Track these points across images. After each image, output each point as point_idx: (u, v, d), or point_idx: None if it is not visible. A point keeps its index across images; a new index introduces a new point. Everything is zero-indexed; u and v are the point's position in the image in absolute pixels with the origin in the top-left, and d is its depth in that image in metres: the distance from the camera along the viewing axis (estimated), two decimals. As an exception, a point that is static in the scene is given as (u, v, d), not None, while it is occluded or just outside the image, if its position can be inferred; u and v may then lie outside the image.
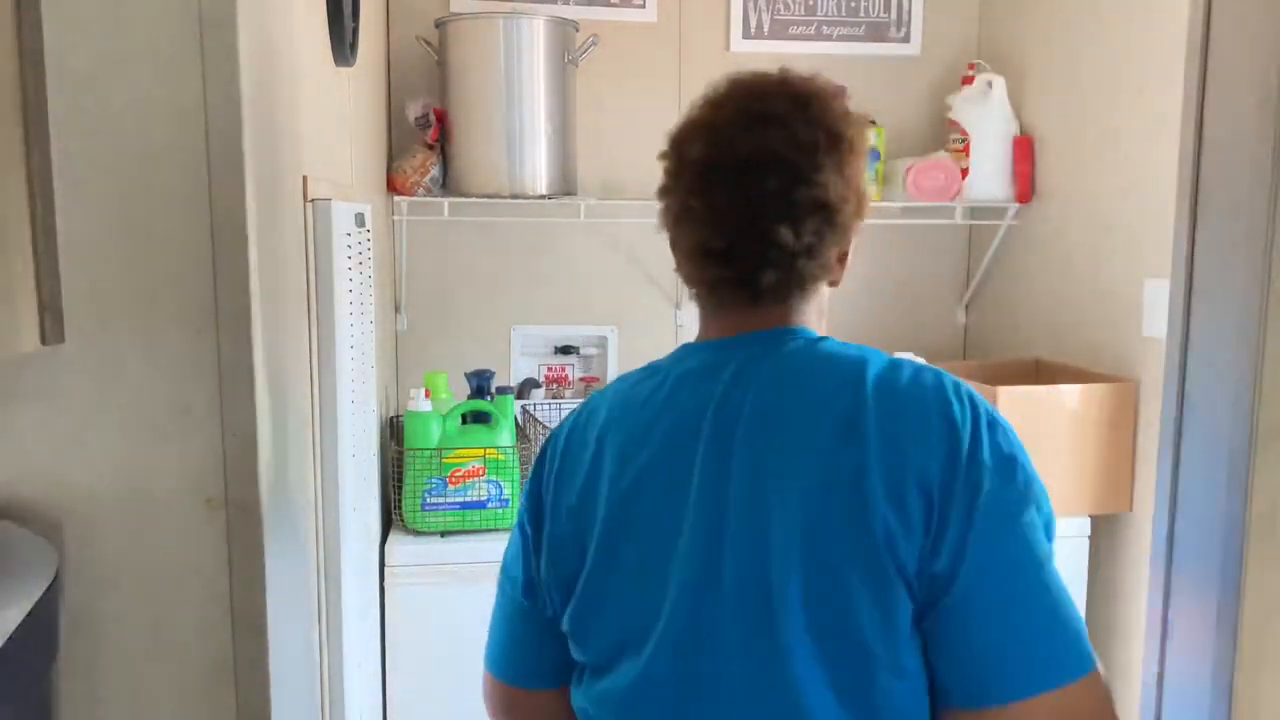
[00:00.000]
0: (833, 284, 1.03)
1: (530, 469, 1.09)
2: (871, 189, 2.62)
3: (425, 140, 2.50)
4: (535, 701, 1.08)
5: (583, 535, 0.97)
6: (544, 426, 2.32)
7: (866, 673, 0.85)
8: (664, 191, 1.02)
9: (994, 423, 0.90)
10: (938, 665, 0.86)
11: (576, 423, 1.04)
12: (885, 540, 0.84)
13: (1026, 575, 0.93)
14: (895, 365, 0.93)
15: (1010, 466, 0.90)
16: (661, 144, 1.05)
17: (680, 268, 1.05)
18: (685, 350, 1.04)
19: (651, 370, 1.04)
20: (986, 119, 2.62)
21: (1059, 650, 0.89)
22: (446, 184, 2.51)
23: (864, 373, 0.90)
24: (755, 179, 0.94)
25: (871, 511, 0.84)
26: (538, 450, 1.13)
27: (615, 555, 0.95)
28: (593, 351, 2.81)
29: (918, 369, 0.93)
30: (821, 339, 0.98)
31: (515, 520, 1.09)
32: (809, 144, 0.94)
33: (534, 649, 1.07)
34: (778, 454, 0.89)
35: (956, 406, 0.89)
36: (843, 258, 1.02)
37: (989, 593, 0.87)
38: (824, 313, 1.04)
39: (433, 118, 2.49)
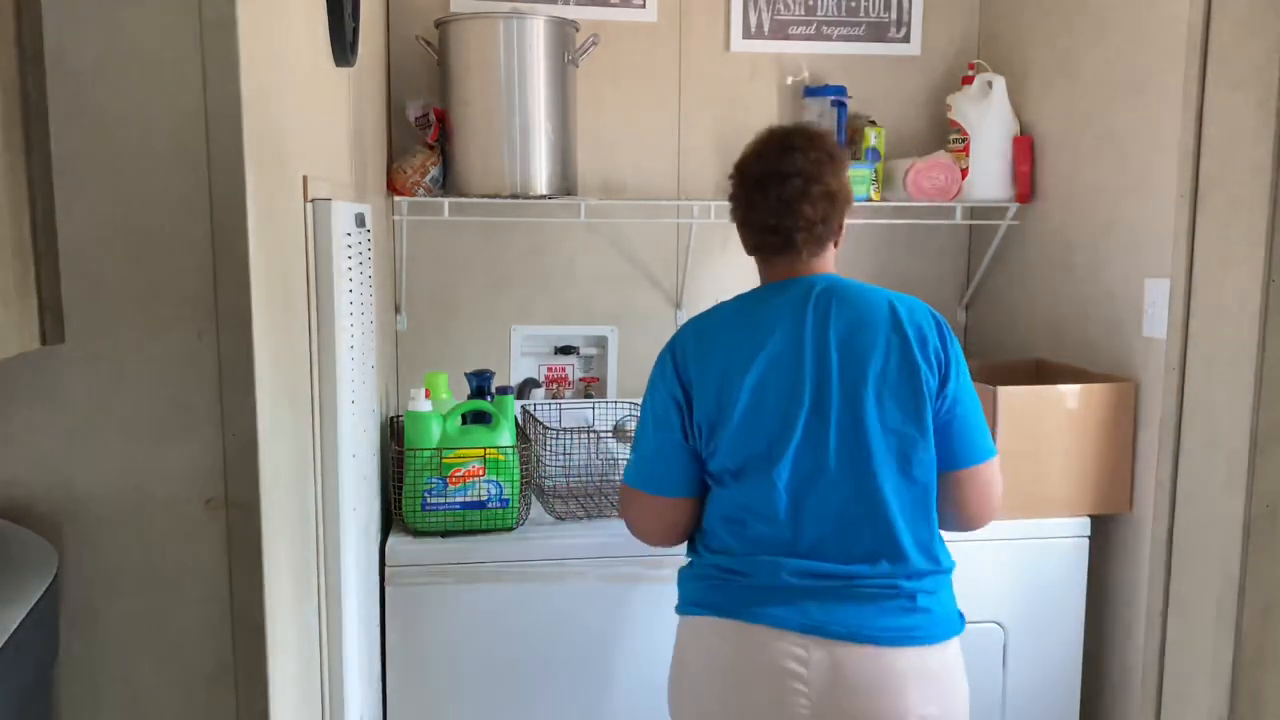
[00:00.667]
0: (836, 245, 1.69)
1: (654, 381, 1.67)
2: (871, 188, 2.62)
3: (425, 140, 2.50)
4: (680, 505, 1.65)
5: (732, 392, 1.56)
6: (544, 426, 2.32)
7: (913, 451, 1.55)
8: (735, 197, 1.70)
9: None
10: (939, 446, 1.58)
11: (699, 329, 1.66)
12: (924, 379, 1.55)
13: (973, 395, 1.62)
14: (893, 293, 1.64)
15: (956, 340, 1.63)
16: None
17: (747, 241, 1.71)
18: (763, 289, 1.69)
19: (745, 298, 1.68)
20: (986, 119, 2.62)
21: (988, 439, 1.64)
22: (446, 184, 2.51)
23: (885, 295, 1.62)
24: (788, 181, 1.62)
25: (916, 366, 1.56)
26: (664, 354, 1.68)
27: (760, 404, 1.55)
28: (593, 351, 2.81)
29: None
30: (844, 278, 1.65)
31: (653, 397, 1.66)
32: (816, 160, 1.63)
33: (681, 471, 1.63)
34: (858, 338, 1.56)
35: (933, 311, 1.64)
36: (840, 228, 1.68)
37: (964, 402, 1.60)
38: (835, 264, 1.70)
39: (433, 118, 2.49)
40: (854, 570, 1.53)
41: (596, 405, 2.57)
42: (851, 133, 2.72)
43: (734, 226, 1.73)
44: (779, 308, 1.60)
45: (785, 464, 1.54)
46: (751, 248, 1.70)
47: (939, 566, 1.58)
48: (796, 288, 1.62)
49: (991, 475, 1.63)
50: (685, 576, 1.69)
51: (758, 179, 1.63)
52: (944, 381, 1.57)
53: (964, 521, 1.64)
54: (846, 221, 1.68)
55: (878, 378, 1.54)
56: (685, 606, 1.66)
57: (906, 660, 1.50)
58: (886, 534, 1.54)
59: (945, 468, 1.59)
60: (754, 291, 1.69)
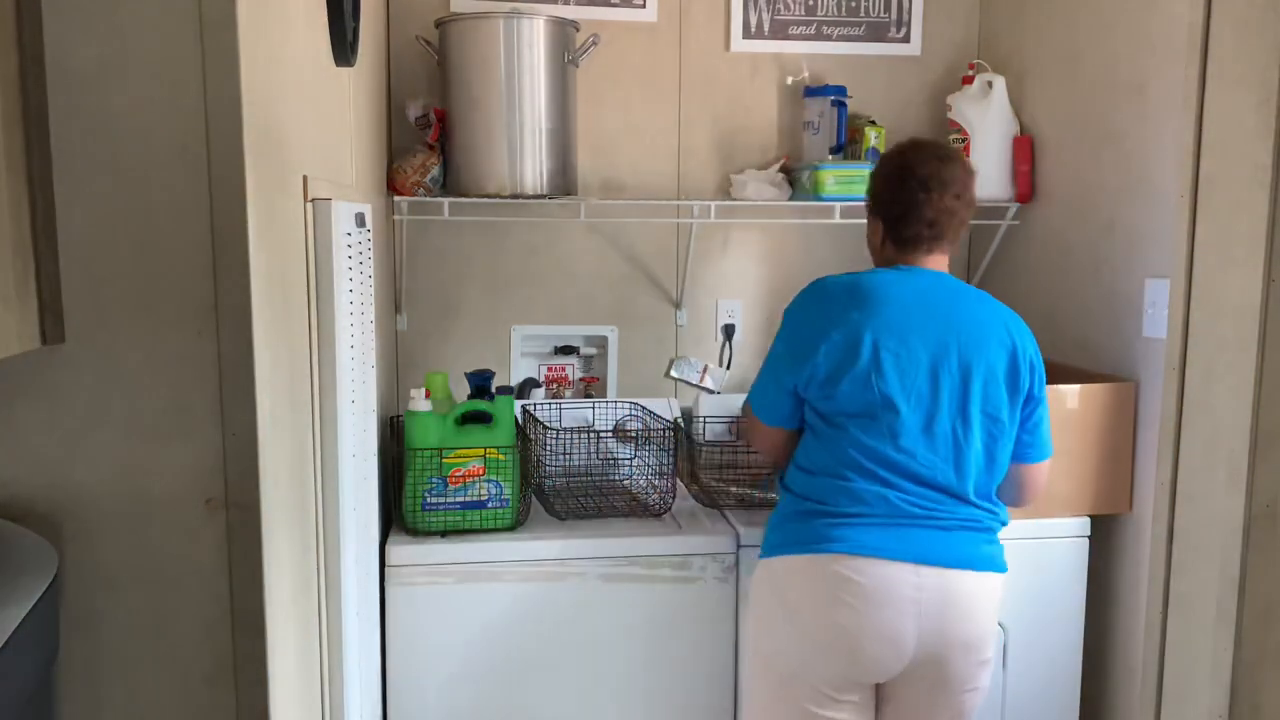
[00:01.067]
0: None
1: (791, 324, 1.91)
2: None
3: (425, 140, 2.50)
4: (789, 434, 1.92)
5: (857, 348, 1.78)
6: (544, 426, 2.32)
7: (1002, 439, 1.84)
8: (891, 196, 1.90)
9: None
10: (1018, 440, 1.88)
11: (839, 284, 1.88)
12: (1025, 380, 1.84)
13: (1046, 405, 1.91)
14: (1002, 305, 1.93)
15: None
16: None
17: (896, 234, 1.90)
18: (898, 271, 1.89)
19: (884, 273, 1.89)
20: (986, 118, 2.62)
21: (1050, 441, 1.94)
22: (447, 184, 2.51)
23: (998, 305, 1.90)
24: (949, 188, 1.87)
25: (1019, 365, 1.83)
26: (809, 298, 1.91)
27: (885, 361, 1.78)
28: (593, 351, 2.81)
29: None
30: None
31: (784, 336, 1.90)
32: (969, 175, 1.91)
33: (792, 409, 1.88)
34: (976, 331, 1.82)
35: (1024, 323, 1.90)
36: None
37: (1041, 407, 1.89)
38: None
39: (433, 117, 2.49)
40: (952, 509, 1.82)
41: (596, 405, 2.57)
42: (852, 132, 2.72)
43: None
44: (915, 286, 1.85)
45: (899, 415, 1.79)
46: (901, 241, 1.89)
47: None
48: (928, 276, 1.87)
49: (1043, 475, 1.96)
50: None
51: (925, 181, 1.84)
52: (1032, 392, 1.85)
53: (1015, 503, 1.94)
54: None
55: (988, 369, 1.81)
56: (794, 546, 1.83)
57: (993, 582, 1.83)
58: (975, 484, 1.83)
59: (1018, 460, 1.89)
60: (889, 269, 1.90)
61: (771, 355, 1.90)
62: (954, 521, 1.79)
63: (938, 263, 1.89)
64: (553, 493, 2.29)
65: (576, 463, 2.37)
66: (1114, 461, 2.24)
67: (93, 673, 1.05)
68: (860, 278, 1.86)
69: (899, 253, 1.90)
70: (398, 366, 2.70)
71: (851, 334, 1.78)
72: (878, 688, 1.83)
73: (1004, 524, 1.87)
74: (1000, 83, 2.62)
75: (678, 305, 2.81)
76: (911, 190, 1.84)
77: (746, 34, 2.76)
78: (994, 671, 2.25)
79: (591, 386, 2.80)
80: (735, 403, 2.48)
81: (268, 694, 1.08)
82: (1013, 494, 1.92)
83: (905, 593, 1.74)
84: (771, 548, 1.85)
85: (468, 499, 2.13)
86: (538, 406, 2.58)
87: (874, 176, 1.94)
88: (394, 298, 2.64)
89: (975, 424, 1.80)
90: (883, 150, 2.68)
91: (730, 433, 2.42)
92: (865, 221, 1.99)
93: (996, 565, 1.83)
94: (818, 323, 1.82)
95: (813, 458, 1.84)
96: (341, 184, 1.72)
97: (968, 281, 2.91)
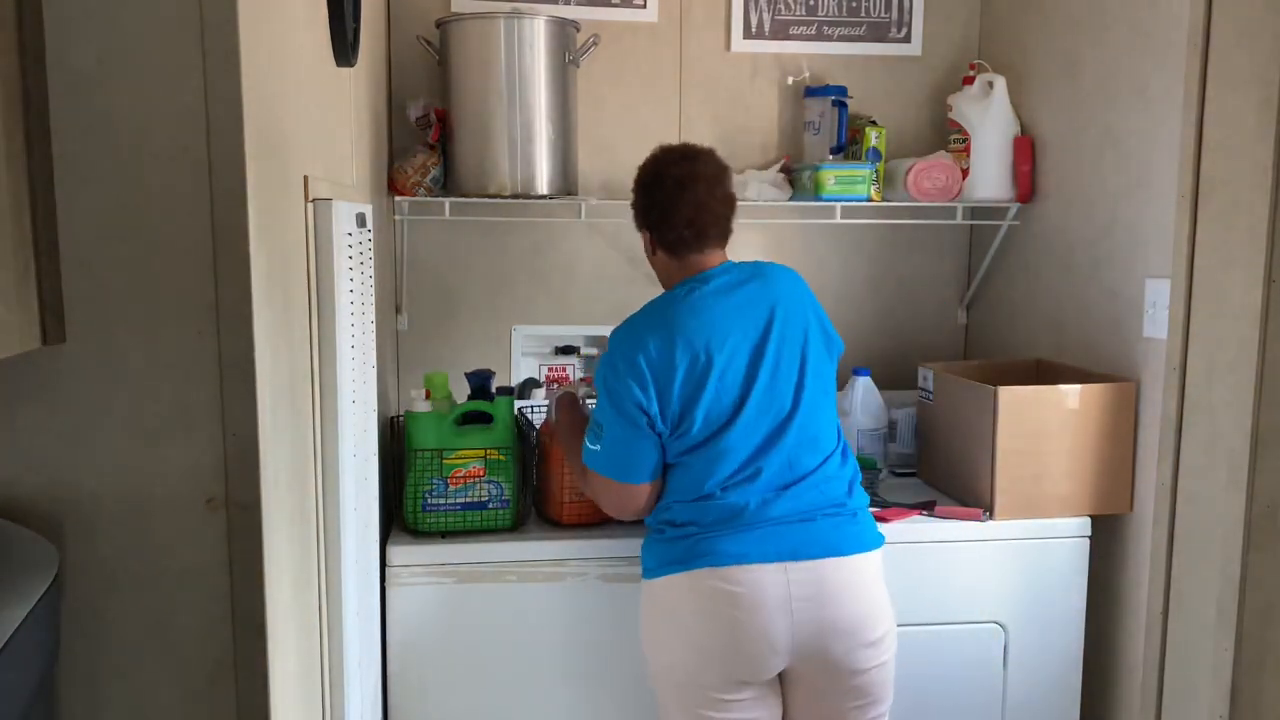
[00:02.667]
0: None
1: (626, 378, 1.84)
2: (872, 189, 2.62)
3: (426, 140, 2.50)
4: (649, 490, 1.87)
5: (694, 370, 1.81)
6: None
7: (831, 406, 1.92)
8: (647, 205, 1.97)
9: None
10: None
11: (649, 326, 1.85)
12: (833, 340, 1.94)
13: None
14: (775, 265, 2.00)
15: None
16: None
17: (663, 240, 1.95)
18: (691, 282, 1.91)
19: (678, 294, 1.89)
20: (987, 119, 2.61)
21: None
22: (447, 184, 2.51)
23: (779, 268, 1.96)
24: (696, 185, 1.92)
25: (825, 326, 1.92)
26: (621, 357, 1.85)
27: (726, 364, 1.82)
28: (593, 351, 2.80)
29: None
30: (744, 262, 1.99)
31: (615, 397, 1.84)
32: (718, 166, 1.97)
33: (649, 458, 1.85)
34: (784, 308, 1.87)
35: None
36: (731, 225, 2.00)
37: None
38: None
39: (434, 118, 2.49)
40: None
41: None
42: (852, 133, 2.72)
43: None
44: (715, 289, 1.87)
45: (746, 416, 1.82)
46: (668, 245, 1.93)
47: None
48: (713, 276, 1.90)
49: None
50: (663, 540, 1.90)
51: (678, 180, 1.89)
52: (831, 339, 1.94)
53: None
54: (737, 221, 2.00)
55: (807, 343, 1.87)
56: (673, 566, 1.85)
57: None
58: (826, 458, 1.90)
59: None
60: (681, 285, 1.90)
61: (612, 417, 1.85)
62: (815, 510, 1.83)
63: (714, 257, 1.93)
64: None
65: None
66: (1114, 462, 2.24)
67: (94, 672, 1.05)
68: (656, 306, 1.90)
69: (672, 257, 1.94)
70: (398, 367, 2.70)
71: (683, 362, 1.81)
72: (780, 676, 1.87)
73: (866, 499, 1.92)
74: (1001, 83, 2.62)
75: (678, 305, 2.81)
76: (667, 192, 1.90)
77: (747, 34, 2.76)
78: (995, 671, 2.26)
79: (592, 386, 2.80)
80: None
81: (268, 694, 1.08)
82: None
83: (777, 592, 1.78)
84: (650, 570, 1.90)
85: (468, 499, 2.13)
86: (538, 407, 2.57)
87: (634, 187, 1.98)
88: (394, 298, 2.64)
89: (818, 403, 1.87)
90: (884, 151, 2.69)
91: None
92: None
93: (865, 544, 1.86)
94: (648, 369, 1.82)
95: (673, 487, 1.87)
96: (342, 184, 1.72)
97: (968, 284, 2.91)
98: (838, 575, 1.81)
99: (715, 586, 1.79)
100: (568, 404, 2.14)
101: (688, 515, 1.84)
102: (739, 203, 2.68)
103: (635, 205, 1.98)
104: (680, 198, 1.88)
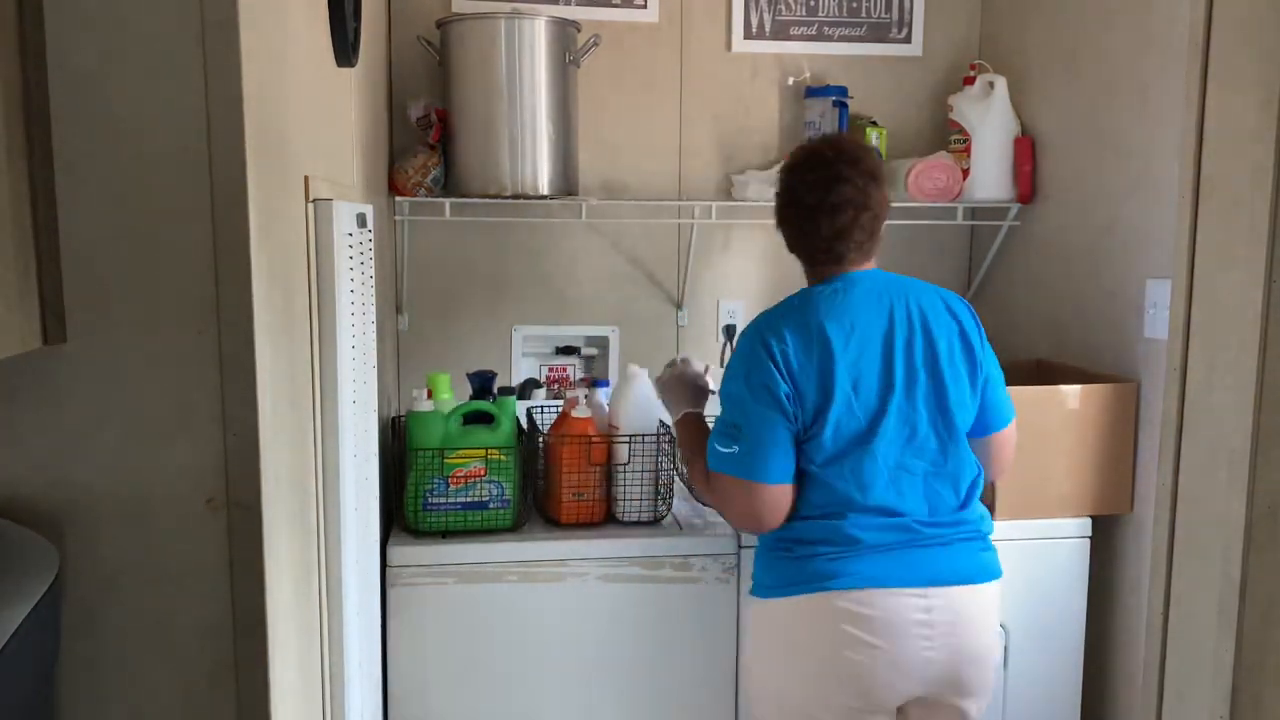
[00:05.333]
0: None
1: (753, 369, 1.75)
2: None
3: (427, 140, 2.50)
4: (786, 493, 1.75)
5: (827, 374, 1.72)
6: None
7: (967, 418, 1.81)
8: (787, 218, 1.85)
9: None
10: (980, 413, 1.84)
11: (789, 322, 1.75)
12: (977, 354, 1.82)
13: (996, 366, 1.88)
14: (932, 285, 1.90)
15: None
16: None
17: (797, 251, 1.86)
18: (835, 283, 1.81)
19: (818, 293, 1.80)
20: (988, 119, 2.61)
21: (1010, 405, 1.89)
22: (448, 184, 2.51)
23: (931, 287, 1.86)
24: (840, 212, 1.78)
25: (970, 341, 1.81)
26: (760, 347, 1.74)
27: (857, 387, 1.74)
28: (594, 352, 2.81)
29: None
30: (892, 273, 1.86)
31: (753, 390, 1.73)
32: (863, 188, 1.78)
33: (788, 457, 1.74)
34: (928, 323, 1.78)
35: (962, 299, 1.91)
36: (881, 234, 1.87)
37: (993, 370, 1.86)
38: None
39: (434, 118, 2.49)
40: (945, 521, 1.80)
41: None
42: (853, 133, 2.72)
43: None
44: (858, 297, 1.78)
45: (882, 436, 1.73)
46: (800, 257, 1.85)
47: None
48: (861, 283, 1.80)
49: (1013, 434, 1.92)
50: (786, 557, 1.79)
51: (811, 210, 1.76)
52: (983, 361, 1.84)
53: (994, 475, 1.94)
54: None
55: (947, 357, 1.77)
56: (796, 587, 1.76)
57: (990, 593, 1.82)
58: (965, 489, 1.82)
59: (983, 433, 1.85)
60: (824, 284, 1.81)
61: (751, 413, 1.73)
62: (952, 534, 1.78)
63: (858, 266, 1.83)
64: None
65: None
66: (1115, 462, 2.24)
67: (94, 672, 1.05)
68: (793, 304, 1.79)
69: (814, 269, 1.85)
70: (399, 367, 2.70)
71: (817, 364, 1.72)
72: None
73: (991, 528, 1.86)
74: (1001, 83, 2.62)
75: (679, 306, 2.81)
76: (800, 219, 1.79)
77: (748, 34, 2.76)
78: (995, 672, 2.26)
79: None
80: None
81: (268, 694, 1.08)
82: (988, 467, 1.88)
83: (915, 617, 1.72)
84: (768, 589, 1.81)
85: (469, 499, 2.13)
86: (539, 407, 2.58)
87: (777, 195, 1.86)
88: (395, 298, 2.64)
89: (955, 420, 1.77)
90: (884, 151, 2.69)
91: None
92: None
93: (994, 572, 1.83)
94: (785, 363, 1.72)
95: (807, 501, 1.77)
96: (343, 184, 1.72)
97: (969, 284, 2.91)
98: (973, 603, 1.76)
99: (848, 610, 1.70)
100: (692, 420, 2.00)
101: (820, 533, 1.74)
102: (740, 203, 2.71)
103: (776, 208, 1.86)
104: (814, 231, 1.78)
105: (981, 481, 1.84)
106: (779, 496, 1.74)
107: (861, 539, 1.73)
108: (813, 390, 1.72)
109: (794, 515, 1.77)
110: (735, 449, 1.74)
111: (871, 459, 1.73)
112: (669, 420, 2.08)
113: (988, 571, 1.81)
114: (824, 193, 1.75)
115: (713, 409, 2.43)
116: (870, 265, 1.85)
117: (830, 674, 1.73)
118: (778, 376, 1.71)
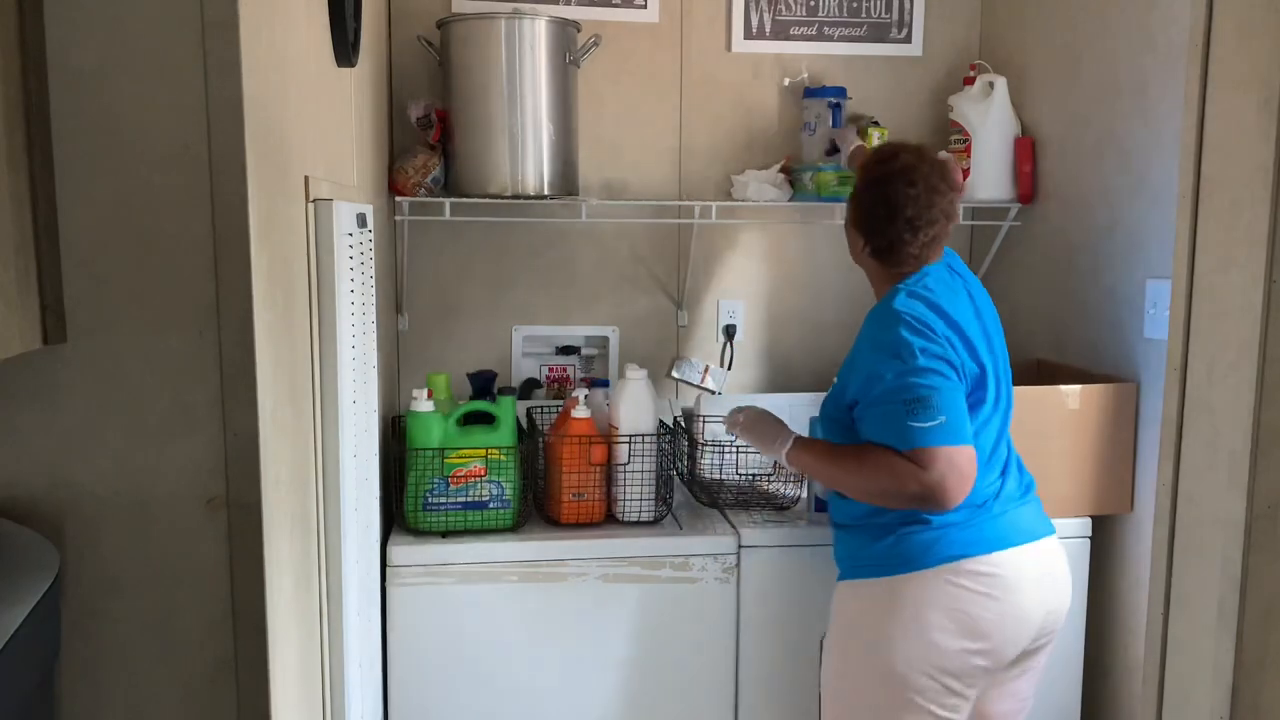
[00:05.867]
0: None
1: (919, 338, 1.79)
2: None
3: (427, 140, 2.50)
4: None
5: (971, 347, 1.82)
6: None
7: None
8: (875, 226, 1.89)
9: None
10: None
11: (927, 306, 1.82)
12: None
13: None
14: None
15: None
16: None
17: (878, 252, 1.91)
18: (937, 269, 1.91)
19: (939, 274, 1.90)
20: (988, 119, 2.61)
21: None
22: (448, 184, 2.51)
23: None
24: (936, 225, 1.88)
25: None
26: (915, 325, 1.79)
27: (986, 359, 1.85)
28: (594, 352, 2.81)
29: None
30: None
31: (932, 358, 1.76)
32: (953, 201, 1.88)
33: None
34: (989, 299, 1.97)
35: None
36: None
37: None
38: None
39: (434, 118, 2.49)
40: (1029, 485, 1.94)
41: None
42: (852, 133, 2.72)
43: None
44: (953, 284, 1.91)
45: (998, 405, 1.86)
46: (883, 261, 1.91)
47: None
48: (942, 271, 1.92)
49: None
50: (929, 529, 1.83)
51: (910, 221, 1.83)
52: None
53: None
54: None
55: (999, 332, 1.94)
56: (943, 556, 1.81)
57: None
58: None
59: None
60: (926, 279, 1.88)
61: (941, 378, 1.75)
62: (1029, 493, 1.92)
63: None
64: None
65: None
66: (1115, 462, 2.24)
67: (94, 672, 1.05)
68: (928, 293, 1.85)
69: (885, 268, 1.92)
70: (399, 367, 2.70)
71: (961, 337, 1.83)
72: None
73: None
74: (1002, 83, 2.62)
75: (679, 306, 2.81)
76: (899, 229, 1.84)
77: (748, 34, 2.76)
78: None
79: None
80: (736, 402, 2.48)
81: (269, 693, 1.08)
82: None
83: (1035, 571, 1.84)
84: (885, 568, 1.82)
85: (469, 499, 2.13)
86: (539, 407, 2.58)
87: (857, 203, 1.91)
88: (395, 298, 2.64)
89: (1010, 392, 1.92)
90: (884, 151, 2.68)
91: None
92: None
93: (1054, 527, 1.95)
94: (945, 339, 1.80)
95: None
96: (343, 184, 1.72)
97: (969, 282, 2.91)
98: (1057, 552, 1.90)
99: (980, 572, 1.79)
100: (803, 441, 1.96)
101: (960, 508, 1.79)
102: (740, 203, 2.71)
103: (859, 220, 1.91)
104: (913, 238, 1.84)
105: None
106: (973, 459, 1.77)
107: (985, 505, 1.83)
108: (968, 360, 1.82)
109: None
110: (941, 419, 1.73)
111: (989, 431, 1.85)
112: (773, 453, 1.99)
113: (1052, 526, 1.94)
114: (925, 207, 1.83)
115: (720, 408, 2.44)
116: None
117: (971, 635, 1.78)
118: (949, 349, 1.79)
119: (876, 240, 1.88)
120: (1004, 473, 1.88)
